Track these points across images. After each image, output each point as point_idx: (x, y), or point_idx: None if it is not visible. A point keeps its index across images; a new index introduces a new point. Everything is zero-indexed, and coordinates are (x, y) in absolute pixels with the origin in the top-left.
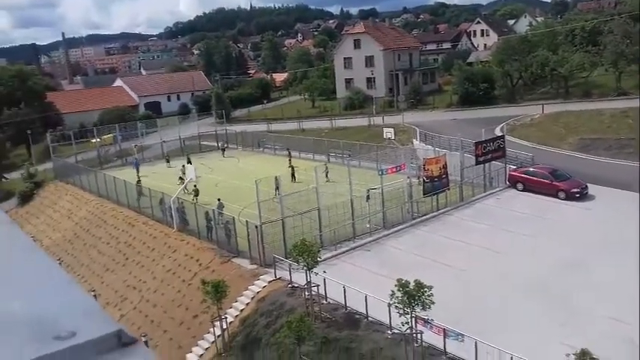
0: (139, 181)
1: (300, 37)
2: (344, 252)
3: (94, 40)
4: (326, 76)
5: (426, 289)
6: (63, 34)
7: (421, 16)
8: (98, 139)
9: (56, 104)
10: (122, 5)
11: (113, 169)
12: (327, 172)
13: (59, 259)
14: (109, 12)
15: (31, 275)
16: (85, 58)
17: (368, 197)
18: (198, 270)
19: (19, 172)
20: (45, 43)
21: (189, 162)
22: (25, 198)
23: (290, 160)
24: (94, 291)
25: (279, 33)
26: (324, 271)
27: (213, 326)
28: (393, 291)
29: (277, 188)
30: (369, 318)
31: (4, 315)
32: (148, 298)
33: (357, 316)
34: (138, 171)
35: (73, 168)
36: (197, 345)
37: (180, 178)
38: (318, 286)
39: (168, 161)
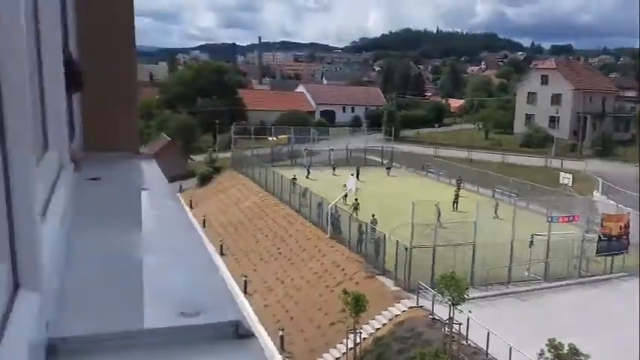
0: (294, 178)
1: (483, 65)
2: (495, 295)
3: (286, 46)
4: (505, 108)
5: (581, 358)
6: (260, 38)
7: (622, 59)
8: (274, 138)
9: (244, 100)
10: (315, 17)
11: (282, 168)
12: (497, 209)
13: (244, 277)
14: (302, 22)
15: (179, 250)
16: (275, 62)
17: (531, 243)
18: (342, 279)
19: (203, 156)
20: (243, 44)
21: (357, 173)
22: (204, 180)
23: (458, 188)
24: (246, 276)
25: (463, 59)
26: (470, 311)
27: (347, 338)
28: (542, 350)
29: (439, 216)
30: None
31: (140, 281)
32: (292, 295)
33: None
34: (308, 172)
35: (248, 160)
36: (328, 352)
37: (345, 185)
38: (460, 324)
39: (334, 169)
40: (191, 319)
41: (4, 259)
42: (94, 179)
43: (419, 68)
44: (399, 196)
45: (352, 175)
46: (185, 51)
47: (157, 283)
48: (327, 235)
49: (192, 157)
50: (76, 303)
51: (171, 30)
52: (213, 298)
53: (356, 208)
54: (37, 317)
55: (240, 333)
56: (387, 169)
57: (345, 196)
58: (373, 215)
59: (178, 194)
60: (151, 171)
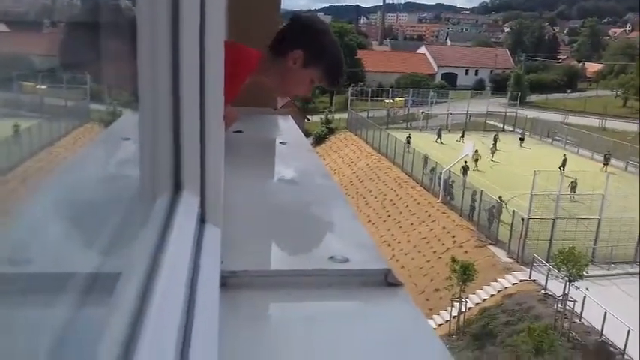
0: (409, 139)
1: (628, 27)
2: (617, 275)
3: (411, 7)
4: None
5: None
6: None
7: None
8: (391, 100)
9: (363, 62)
10: None
11: (397, 131)
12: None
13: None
14: None
15: (323, 199)
16: (398, 24)
17: None
18: (451, 246)
19: (319, 116)
20: (368, 6)
21: (495, 139)
22: (319, 140)
23: (606, 164)
24: None
25: (605, 20)
26: (587, 288)
27: (452, 306)
28: None
29: (574, 188)
30: (625, 356)
31: (292, 225)
32: (398, 258)
33: (611, 350)
34: (439, 137)
35: (363, 122)
36: (431, 318)
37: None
38: (575, 301)
39: (439, 136)
40: (341, 264)
41: (197, 195)
42: (238, 132)
43: (554, 30)
44: (521, 164)
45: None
46: (311, 13)
47: (307, 228)
48: (439, 201)
49: (308, 117)
50: (240, 241)
51: None
52: (360, 246)
53: (465, 171)
54: (219, 250)
55: (389, 281)
56: (520, 139)
57: (463, 160)
58: (500, 198)
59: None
60: (288, 126)
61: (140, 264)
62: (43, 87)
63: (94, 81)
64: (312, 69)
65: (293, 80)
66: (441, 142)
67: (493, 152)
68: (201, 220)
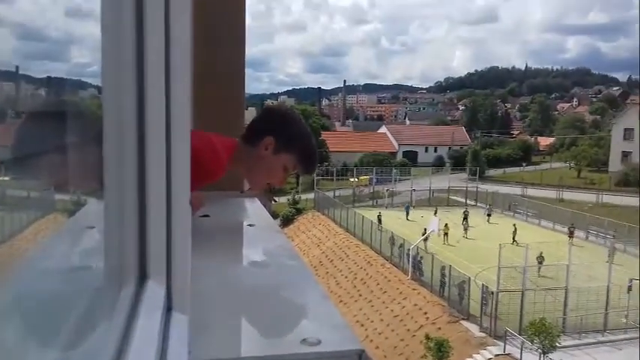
0: (379, 217)
1: (575, 102)
2: (589, 344)
3: (369, 89)
4: (599, 145)
5: None
6: (344, 81)
7: None
8: (356, 179)
9: (327, 143)
10: (400, 59)
11: (364, 209)
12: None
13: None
14: (386, 64)
15: (292, 281)
16: (358, 104)
17: (630, 288)
18: (424, 323)
19: (286, 197)
20: (329, 88)
21: (465, 215)
22: (287, 221)
23: (571, 235)
24: None
25: (553, 96)
26: (561, 359)
27: None
28: None
29: (541, 262)
30: None
31: (261, 309)
32: (372, 339)
33: None
34: (407, 214)
35: (330, 201)
36: None
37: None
38: None
39: (407, 213)
40: (314, 347)
41: (163, 283)
42: (205, 216)
43: (506, 106)
44: (484, 238)
45: (434, 215)
46: (274, 96)
47: (278, 311)
48: (409, 277)
49: (275, 198)
50: (209, 328)
51: (261, 77)
52: (332, 327)
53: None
54: (187, 340)
55: None
56: (487, 215)
57: (426, 238)
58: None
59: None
60: (255, 208)
61: (105, 358)
62: (5, 178)
63: (55, 172)
64: (284, 155)
65: (265, 168)
66: (408, 220)
67: (466, 228)
68: (168, 308)
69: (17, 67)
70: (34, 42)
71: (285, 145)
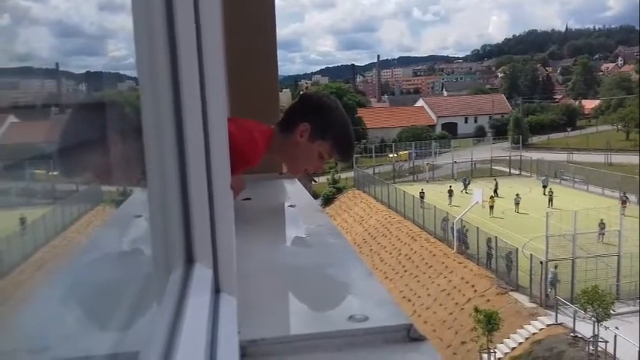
0: (422, 193)
1: (620, 61)
2: None
3: (404, 62)
4: None
5: None
6: (378, 56)
7: None
8: (395, 155)
9: (364, 119)
10: (434, 29)
11: (404, 184)
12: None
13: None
14: (420, 36)
15: (337, 259)
16: (393, 79)
17: None
18: (472, 296)
19: (325, 177)
20: (362, 64)
21: (495, 189)
22: (328, 201)
23: (623, 203)
24: None
25: (596, 56)
26: (617, 327)
27: (481, 358)
28: None
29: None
30: None
31: (308, 287)
32: (420, 313)
33: None
34: (465, 187)
35: (370, 179)
36: None
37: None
38: (607, 342)
39: (466, 186)
40: (361, 323)
41: (210, 266)
42: (247, 199)
43: (547, 70)
44: (533, 207)
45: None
46: (307, 76)
47: (323, 289)
48: (454, 251)
49: (315, 179)
50: (256, 308)
51: (293, 57)
52: (379, 303)
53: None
54: (235, 320)
55: (412, 336)
56: (543, 187)
57: (470, 209)
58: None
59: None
60: (295, 189)
61: (157, 340)
62: (55, 173)
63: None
64: (319, 142)
65: (302, 155)
66: (466, 192)
67: (517, 203)
68: (216, 291)
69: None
70: (72, 38)
71: (321, 132)
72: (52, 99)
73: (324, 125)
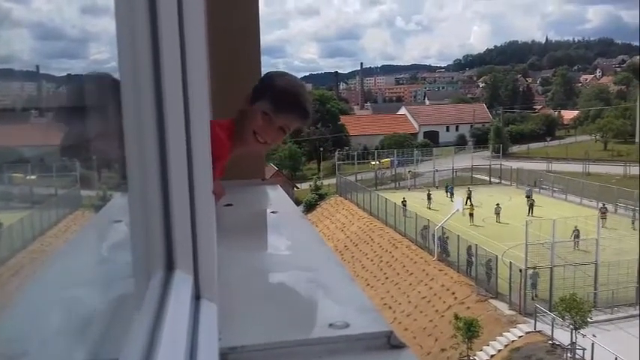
0: (404, 201)
1: (599, 72)
2: (621, 318)
3: (387, 70)
4: (625, 116)
5: None
6: (361, 64)
7: None
8: (377, 162)
9: (346, 126)
10: (416, 38)
11: (386, 191)
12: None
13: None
14: (403, 45)
15: (318, 265)
16: (376, 87)
17: None
18: (452, 303)
19: (308, 183)
20: (346, 72)
21: (468, 196)
22: (310, 207)
23: (603, 213)
24: None
25: (575, 68)
26: (594, 335)
27: None
28: None
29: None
30: None
31: (288, 294)
32: (400, 321)
33: None
34: (452, 195)
35: (352, 186)
36: None
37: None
38: (584, 350)
39: (452, 194)
40: (342, 330)
41: (191, 272)
42: (228, 205)
43: (527, 81)
44: (511, 215)
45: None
46: None
47: (305, 296)
48: (434, 258)
49: (297, 185)
50: (237, 315)
51: (277, 64)
52: (360, 310)
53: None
54: (216, 327)
55: (393, 344)
56: (526, 197)
57: (450, 217)
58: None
59: None
60: (278, 195)
61: (136, 347)
62: (33, 177)
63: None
64: (259, 103)
65: (247, 120)
66: (452, 201)
67: (498, 213)
68: (197, 297)
69: (37, 67)
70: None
71: (261, 93)
72: (32, 102)
73: (263, 87)
